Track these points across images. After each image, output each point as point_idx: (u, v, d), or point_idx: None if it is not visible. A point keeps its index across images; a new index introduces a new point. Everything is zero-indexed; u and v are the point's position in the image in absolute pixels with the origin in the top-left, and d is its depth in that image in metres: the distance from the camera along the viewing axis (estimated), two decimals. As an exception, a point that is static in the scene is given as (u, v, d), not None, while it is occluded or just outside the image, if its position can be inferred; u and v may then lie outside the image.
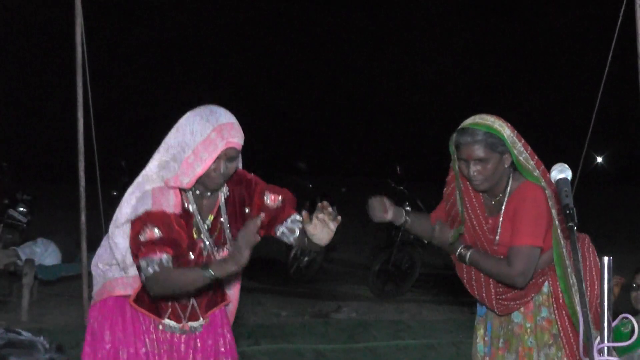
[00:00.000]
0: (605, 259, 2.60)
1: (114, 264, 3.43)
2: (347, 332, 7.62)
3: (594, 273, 3.75)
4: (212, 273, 3.14)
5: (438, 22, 27.09)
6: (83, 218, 7.03)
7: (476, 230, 3.77)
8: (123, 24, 24.35)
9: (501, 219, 3.71)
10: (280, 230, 3.47)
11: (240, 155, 3.36)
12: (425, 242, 4.05)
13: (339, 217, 3.25)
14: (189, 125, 3.26)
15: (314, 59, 26.89)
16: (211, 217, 3.39)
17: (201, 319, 3.50)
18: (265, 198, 3.42)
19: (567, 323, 3.71)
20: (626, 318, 2.82)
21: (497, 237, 3.72)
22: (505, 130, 3.64)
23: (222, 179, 3.30)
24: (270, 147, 24.29)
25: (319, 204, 3.27)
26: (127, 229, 3.29)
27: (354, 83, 26.95)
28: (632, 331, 4.42)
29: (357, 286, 9.90)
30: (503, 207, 3.71)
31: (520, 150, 3.65)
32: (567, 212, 2.62)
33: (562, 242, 3.63)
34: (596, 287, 3.71)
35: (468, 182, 3.74)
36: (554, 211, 3.62)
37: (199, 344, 3.51)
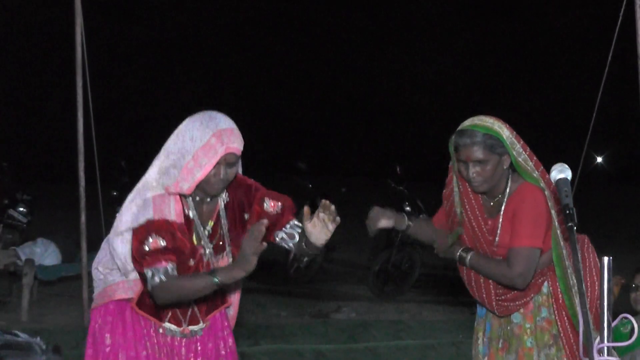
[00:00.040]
0: (605, 259, 2.60)
1: (115, 268, 3.43)
2: (347, 332, 7.62)
3: (594, 274, 3.75)
4: (219, 279, 3.16)
5: (438, 23, 27.08)
6: (83, 218, 7.03)
7: (475, 231, 3.77)
8: (123, 24, 24.34)
9: (500, 220, 3.71)
10: (280, 235, 3.48)
11: (240, 161, 3.36)
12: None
13: (338, 219, 3.26)
14: (188, 131, 3.26)
15: (314, 59, 26.88)
16: (211, 223, 3.40)
17: (201, 322, 3.50)
18: (265, 204, 3.43)
19: (567, 324, 3.71)
20: (626, 318, 2.82)
21: (497, 239, 3.72)
22: (504, 131, 3.64)
23: (221, 185, 3.31)
24: (270, 147, 24.28)
25: (322, 202, 3.27)
26: (127, 236, 3.29)
27: (354, 83, 26.94)
28: (632, 331, 4.42)
29: (357, 286, 9.90)
30: (502, 209, 3.71)
31: (519, 151, 3.66)
32: (567, 212, 2.62)
33: (562, 242, 3.63)
34: (596, 287, 3.71)
35: (467, 184, 3.75)
36: (553, 212, 3.62)
37: (199, 348, 3.51)
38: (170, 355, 3.45)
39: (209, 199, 3.37)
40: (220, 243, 3.42)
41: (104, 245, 3.52)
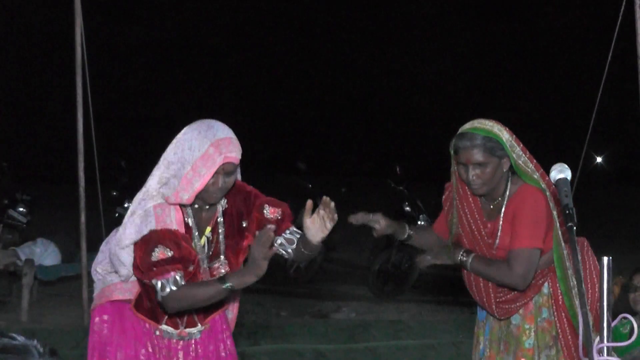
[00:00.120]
0: (605, 259, 2.60)
1: (113, 271, 3.45)
2: (346, 332, 7.62)
3: (594, 276, 3.75)
4: (231, 285, 3.18)
5: (438, 23, 27.07)
6: (83, 218, 7.04)
7: (475, 234, 3.77)
8: (123, 24, 24.34)
9: (501, 222, 3.71)
10: (279, 241, 3.48)
11: (238, 169, 3.37)
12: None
13: (336, 216, 3.27)
14: (187, 141, 3.28)
15: (314, 59, 26.88)
16: (209, 229, 3.41)
17: (199, 325, 3.51)
18: (265, 211, 3.43)
19: (565, 325, 3.72)
20: (625, 318, 2.82)
21: (497, 241, 3.73)
22: (504, 134, 3.65)
23: (220, 194, 3.33)
24: (270, 147, 24.29)
25: (323, 199, 3.29)
26: (132, 249, 3.32)
27: (354, 83, 26.94)
28: (631, 332, 4.42)
29: (356, 286, 9.90)
30: (502, 211, 3.71)
31: (519, 154, 3.67)
32: (567, 212, 2.62)
33: (563, 244, 3.63)
34: (596, 290, 3.71)
35: (467, 187, 3.75)
36: (554, 213, 3.62)
37: (199, 350, 3.52)
38: (167, 357, 3.46)
39: (207, 207, 3.38)
40: (216, 250, 3.44)
41: (103, 248, 3.54)
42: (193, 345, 3.51)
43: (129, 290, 3.44)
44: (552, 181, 2.78)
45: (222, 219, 3.43)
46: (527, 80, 26.72)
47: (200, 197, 3.31)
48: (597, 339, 2.56)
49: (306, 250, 3.38)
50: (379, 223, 3.84)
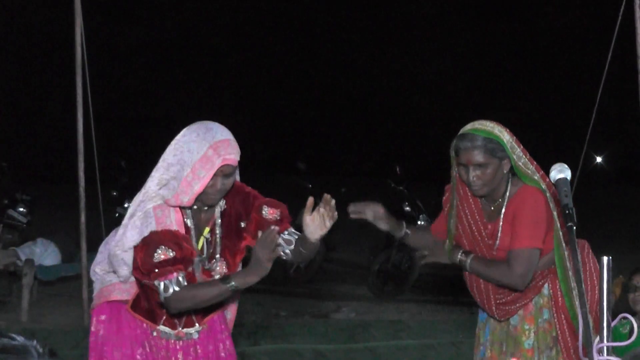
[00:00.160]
0: (605, 258, 2.60)
1: (112, 271, 3.46)
2: (346, 332, 7.62)
3: (594, 278, 3.75)
4: (235, 285, 3.20)
5: (438, 23, 27.06)
6: (83, 218, 7.04)
7: (475, 235, 3.77)
8: (123, 24, 24.33)
9: (501, 223, 3.71)
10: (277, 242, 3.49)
11: (237, 170, 3.38)
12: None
13: (336, 214, 3.28)
14: (185, 143, 3.29)
15: (314, 59, 26.87)
16: (207, 230, 3.42)
17: (197, 325, 3.51)
18: (264, 212, 3.45)
19: (565, 326, 3.72)
20: (625, 318, 2.82)
21: (497, 242, 3.73)
22: (505, 135, 3.66)
23: (219, 195, 3.34)
24: (270, 147, 24.28)
25: (324, 197, 3.30)
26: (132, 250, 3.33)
27: (354, 83, 26.92)
28: (631, 332, 4.42)
29: (356, 286, 9.90)
30: (502, 212, 3.71)
31: (519, 155, 3.67)
32: (567, 212, 2.63)
33: (564, 244, 3.64)
34: (596, 292, 3.71)
35: (467, 188, 3.75)
36: (554, 214, 3.62)
37: (199, 350, 3.52)
38: (166, 358, 3.47)
39: (206, 208, 3.40)
40: (213, 250, 3.45)
41: (102, 248, 3.55)
42: (193, 346, 3.51)
43: (128, 290, 3.45)
44: (552, 181, 2.79)
45: (219, 220, 3.43)
46: (527, 80, 26.70)
47: (199, 198, 3.32)
48: (597, 338, 2.56)
49: (304, 250, 3.39)
50: (377, 212, 3.82)
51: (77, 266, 7.76)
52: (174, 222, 3.30)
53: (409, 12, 27.06)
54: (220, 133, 3.31)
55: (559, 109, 25.61)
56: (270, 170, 20.67)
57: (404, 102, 26.53)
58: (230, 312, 3.70)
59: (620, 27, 6.19)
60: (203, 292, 3.25)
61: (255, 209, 3.45)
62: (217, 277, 3.39)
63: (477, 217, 3.77)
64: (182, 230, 3.31)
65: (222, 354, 3.59)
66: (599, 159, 23.00)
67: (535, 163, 3.71)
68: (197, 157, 3.25)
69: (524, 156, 3.68)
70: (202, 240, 3.41)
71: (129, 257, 3.33)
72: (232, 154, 3.28)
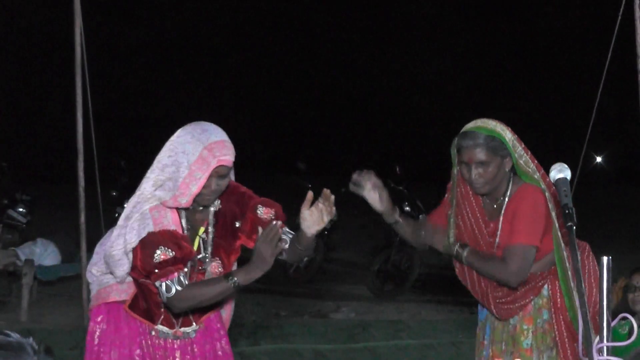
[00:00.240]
0: (604, 258, 2.60)
1: (108, 272, 3.46)
2: (346, 332, 7.62)
3: (592, 280, 3.75)
4: (238, 281, 3.21)
5: (438, 23, 27.06)
6: (82, 218, 7.03)
7: (476, 234, 3.77)
8: (122, 24, 24.32)
9: (501, 221, 3.71)
10: None
11: (232, 171, 3.38)
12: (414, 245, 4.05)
13: (334, 210, 3.30)
14: (181, 144, 3.29)
15: (314, 59, 26.87)
16: (202, 230, 3.43)
17: (194, 324, 3.52)
18: (259, 211, 3.45)
19: (563, 327, 3.72)
20: (625, 318, 2.82)
21: (497, 240, 3.73)
22: (507, 133, 3.66)
23: (213, 196, 3.36)
24: (270, 147, 24.28)
25: (324, 191, 3.31)
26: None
27: (354, 83, 26.93)
28: (630, 332, 4.42)
29: (356, 286, 9.90)
30: (503, 210, 3.71)
31: (520, 153, 3.67)
32: (566, 211, 2.62)
33: (563, 245, 3.64)
34: (594, 294, 3.71)
35: (469, 186, 3.75)
36: (553, 214, 3.62)
37: (196, 350, 3.53)
38: (164, 357, 3.48)
39: (200, 208, 3.40)
40: (207, 249, 3.46)
41: (98, 249, 3.56)
42: (190, 345, 3.52)
43: (125, 291, 3.46)
44: (552, 181, 2.79)
45: (213, 220, 3.43)
46: (527, 80, 26.70)
47: (194, 199, 3.32)
48: (597, 338, 2.56)
49: (300, 247, 3.39)
50: (376, 183, 3.80)
51: (76, 266, 7.76)
52: (171, 222, 3.31)
53: (409, 12, 27.06)
54: (215, 134, 3.31)
55: (558, 109, 25.62)
56: (270, 170, 20.66)
57: (404, 102, 26.53)
58: (226, 311, 3.71)
59: (620, 27, 6.19)
60: (206, 290, 3.26)
61: (250, 209, 3.46)
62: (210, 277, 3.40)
63: (478, 215, 3.77)
64: (180, 230, 3.32)
65: (219, 353, 3.60)
66: (599, 159, 23.01)
67: (536, 162, 3.71)
68: (192, 158, 3.25)
69: (525, 154, 3.68)
70: (197, 240, 3.42)
71: (127, 259, 3.33)
72: (227, 155, 3.29)
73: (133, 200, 3.34)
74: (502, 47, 26.98)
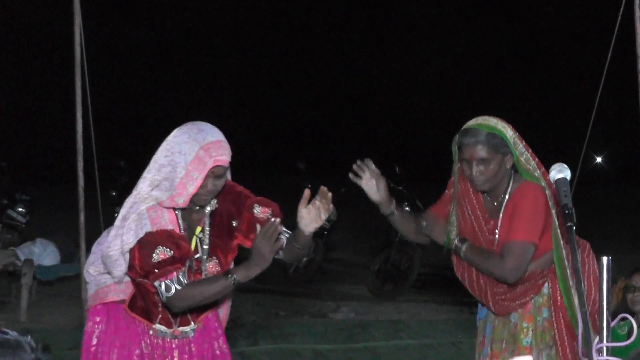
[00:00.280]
0: (604, 258, 2.59)
1: (105, 272, 3.46)
2: (346, 332, 7.61)
3: (592, 280, 3.75)
4: (237, 279, 3.22)
5: (438, 23, 27.06)
6: (82, 218, 7.02)
7: (476, 231, 3.77)
8: (122, 24, 24.31)
9: (501, 218, 3.71)
10: None
11: (228, 170, 3.38)
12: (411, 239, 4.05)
13: (331, 207, 3.30)
14: (177, 144, 3.30)
15: (314, 59, 26.86)
16: (199, 230, 3.43)
17: (192, 323, 3.52)
18: (255, 211, 3.46)
19: (562, 326, 3.72)
20: (625, 318, 2.82)
21: (496, 237, 3.73)
22: (508, 131, 3.66)
23: (210, 196, 3.36)
24: (270, 147, 24.27)
25: (321, 189, 3.31)
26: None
27: (354, 83, 26.93)
28: (629, 332, 4.41)
29: (356, 286, 9.90)
30: (503, 208, 3.71)
31: (521, 151, 3.68)
32: (566, 212, 2.62)
33: (562, 243, 3.63)
34: (593, 293, 3.70)
35: (469, 184, 3.75)
36: (553, 212, 3.62)
37: (194, 349, 3.53)
38: (162, 356, 3.48)
39: (197, 208, 3.40)
40: (202, 248, 3.45)
41: (94, 249, 3.56)
42: (188, 345, 3.52)
43: (123, 291, 3.47)
44: (552, 181, 2.79)
45: (210, 220, 3.43)
46: (527, 80, 26.70)
47: (191, 199, 3.32)
48: (597, 339, 2.55)
49: (298, 245, 3.39)
50: (375, 172, 3.79)
51: (76, 266, 7.75)
52: (169, 222, 3.31)
53: (409, 12, 27.05)
54: (211, 134, 3.31)
55: (558, 109, 25.61)
56: (270, 170, 20.66)
57: (404, 102, 26.53)
58: (223, 310, 3.71)
59: (620, 27, 6.18)
60: (205, 288, 3.27)
61: (246, 208, 3.46)
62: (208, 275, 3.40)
63: (478, 212, 3.77)
64: (177, 230, 3.32)
65: (217, 352, 3.60)
66: (598, 159, 23.01)
67: (537, 159, 3.71)
68: (189, 158, 3.25)
69: (526, 152, 3.69)
70: (194, 239, 3.42)
71: (124, 259, 3.33)
72: (223, 155, 3.29)
73: (130, 200, 3.34)
74: (502, 47, 26.97)
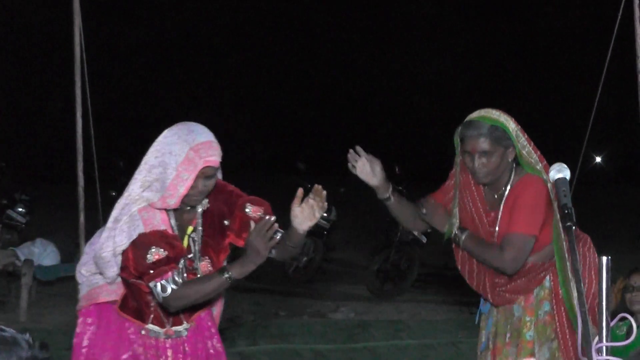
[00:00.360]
0: (604, 258, 2.60)
1: (97, 273, 3.47)
2: (345, 332, 7.61)
3: (592, 273, 3.75)
4: (232, 275, 3.22)
5: (438, 23, 27.06)
6: (82, 218, 7.02)
7: (476, 223, 3.77)
8: (122, 24, 24.31)
9: (501, 210, 3.71)
10: None
11: (219, 170, 3.38)
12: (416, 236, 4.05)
13: (326, 205, 3.29)
14: (167, 145, 3.30)
15: (314, 59, 26.86)
16: (190, 229, 3.43)
17: (185, 323, 3.52)
18: (247, 210, 3.45)
19: (564, 319, 3.72)
20: (624, 318, 2.82)
21: (497, 229, 3.73)
22: (510, 124, 3.67)
23: (200, 197, 3.36)
24: (270, 147, 24.27)
25: (315, 187, 3.31)
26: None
27: (354, 83, 26.93)
28: (628, 333, 4.42)
29: (355, 286, 9.89)
30: (504, 200, 3.71)
31: (523, 144, 3.68)
32: (566, 212, 2.62)
33: (563, 235, 3.63)
34: (593, 286, 3.71)
35: (471, 176, 3.75)
36: (555, 204, 3.62)
37: (187, 349, 3.53)
38: (156, 356, 3.47)
39: (188, 208, 3.40)
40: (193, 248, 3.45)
41: (87, 249, 3.56)
42: (182, 344, 3.52)
43: (115, 292, 3.47)
44: (551, 180, 2.79)
45: (200, 219, 3.43)
46: (527, 80, 26.71)
47: (182, 200, 3.32)
48: (597, 338, 2.55)
49: (291, 244, 3.40)
50: (372, 160, 3.78)
51: (75, 266, 7.74)
52: (161, 222, 3.31)
53: (409, 12, 27.05)
54: (201, 135, 3.31)
55: (558, 109, 25.62)
56: (270, 170, 20.66)
57: (404, 102, 26.53)
58: (216, 308, 3.71)
59: (619, 27, 6.18)
60: (201, 287, 3.27)
61: (238, 207, 3.46)
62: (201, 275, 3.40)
63: (479, 204, 3.77)
64: (170, 230, 3.32)
65: (211, 351, 3.60)
66: (598, 159, 23.01)
67: (538, 152, 3.71)
68: (179, 159, 3.25)
69: (528, 145, 3.69)
70: (186, 239, 3.42)
71: (117, 261, 3.32)
72: (213, 155, 3.29)
73: (121, 202, 3.34)
74: (502, 47, 26.98)
